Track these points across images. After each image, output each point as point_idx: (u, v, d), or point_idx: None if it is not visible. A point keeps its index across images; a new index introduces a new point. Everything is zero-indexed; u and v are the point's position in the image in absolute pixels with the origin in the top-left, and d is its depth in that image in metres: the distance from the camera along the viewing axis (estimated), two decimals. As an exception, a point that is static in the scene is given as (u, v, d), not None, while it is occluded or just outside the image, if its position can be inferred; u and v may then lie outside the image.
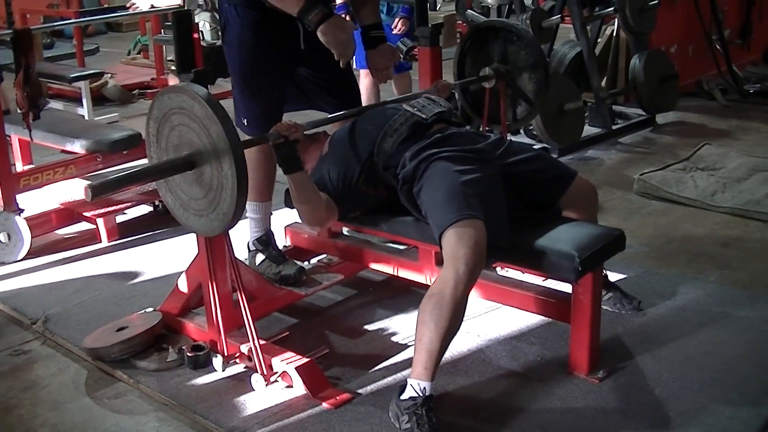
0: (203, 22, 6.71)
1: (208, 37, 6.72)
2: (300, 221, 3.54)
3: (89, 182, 2.83)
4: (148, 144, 3.10)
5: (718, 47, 7.81)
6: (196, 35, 6.32)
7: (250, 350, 3.27)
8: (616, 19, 6.85)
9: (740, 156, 5.84)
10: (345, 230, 4.02)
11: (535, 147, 5.85)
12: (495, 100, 4.23)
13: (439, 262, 3.25)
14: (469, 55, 4.31)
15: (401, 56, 4.89)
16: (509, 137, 4.01)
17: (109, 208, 4.96)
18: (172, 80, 7.44)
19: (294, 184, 3.20)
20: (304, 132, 3.18)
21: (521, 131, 6.37)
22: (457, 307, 2.89)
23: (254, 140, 3.29)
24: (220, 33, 3.76)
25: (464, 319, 2.97)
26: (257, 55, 3.63)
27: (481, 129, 4.26)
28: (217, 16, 3.94)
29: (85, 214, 4.93)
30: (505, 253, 3.15)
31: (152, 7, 7.71)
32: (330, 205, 3.35)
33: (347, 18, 4.46)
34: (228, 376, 3.38)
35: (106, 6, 12.03)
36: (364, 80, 5.80)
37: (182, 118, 2.89)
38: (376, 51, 3.85)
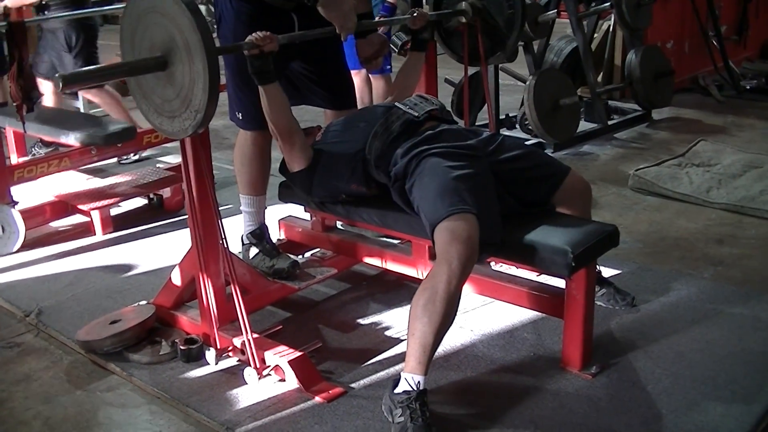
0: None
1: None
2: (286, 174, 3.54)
3: (60, 73, 2.80)
4: (122, 47, 3.09)
5: (715, 43, 7.82)
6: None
7: (243, 344, 3.26)
8: (613, 15, 6.85)
9: (735, 152, 5.85)
10: (339, 224, 4.02)
11: (530, 142, 5.87)
12: (472, 37, 4.23)
13: (433, 256, 3.25)
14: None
15: (396, 50, 4.88)
16: (503, 132, 4.00)
17: (104, 201, 4.95)
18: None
19: (267, 96, 3.26)
20: (279, 43, 3.19)
21: (516, 125, 6.37)
22: (450, 302, 2.89)
23: (227, 48, 3.35)
24: (215, 26, 3.75)
25: (458, 313, 2.97)
26: (251, 48, 3.62)
27: (463, 65, 4.27)
28: (213, 9, 3.92)
29: (80, 206, 4.93)
30: (497, 248, 3.15)
31: None
32: (306, 142, 3.43)
33: None
34: (221, 370, 3.38)
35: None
36: (355, 80, 5.79)
37: (155, 17, 2.89)
38: (366, 40, 3.85)
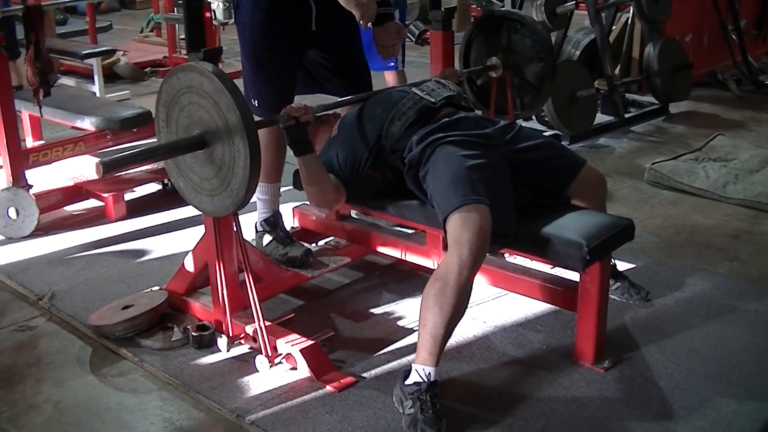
0: (216, 1, 6.70)
1: (220, 16, 6.71)
2: (308, 203, 3.53)
3: (101, 159, 2.83)
4: (157, 130, 3.09)
5: (734, 37, 7.75)
6: (207, 14, 6.32)
7: (255, 331, 3.26)
8: (632, 7, 6.81)
9: (753, 147, 5.81)
10: (353, 213, 4.01)
11: (546, 134, 5.84)
12: (501, 90, 4.21)
13: (446, 246, 3.23)
14: (476, 43, 4.28)
15: (413, 39, 4.86)
16: (520, 122, 3.98)
17: (119, 186, 4.96)
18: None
19: (304, 166, 3.20)
20: (315, 114, 3.18)
21: (533, 117, 6.34)
22: (462, 293, 2.87)
23: (264, 121, 3.28)
24: (232, 12, 3.74)
25: (470, 305, 2.97)
26: (269, 35, 3.61)
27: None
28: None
29: (94, 191, 4.93)
30: (510, 240, 3.14)
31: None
32: (338, 187, 3.34)
33: None
34: (232, 357, 3.37)
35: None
36: None
37: (191, 97, 2.88)
38: (383, 28, 3.83)
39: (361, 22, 3.46)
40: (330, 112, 3.66)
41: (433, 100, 3.39)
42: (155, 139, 3.17)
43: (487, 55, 4.18)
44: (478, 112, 3.66)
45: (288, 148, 3.33)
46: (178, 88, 2.93)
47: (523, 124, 4.16)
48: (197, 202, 3.08)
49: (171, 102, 2.98)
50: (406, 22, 5.11)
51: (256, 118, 3.71)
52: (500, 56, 4.13)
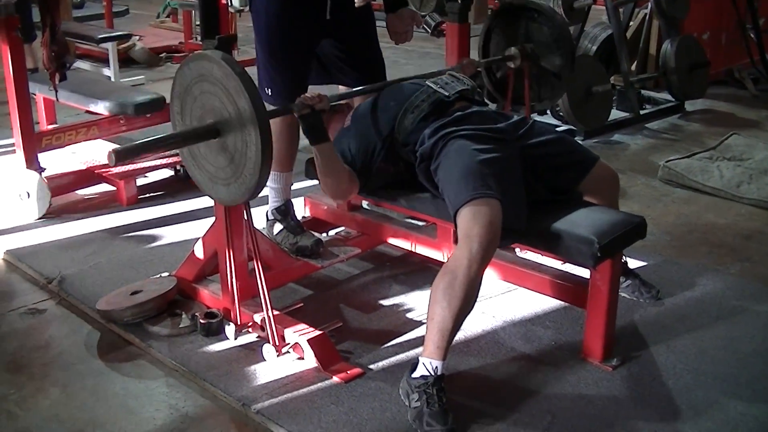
0: (233, -12, 6.68)
1: (236, 3, 6.69)
2: (322, 192, 3.53)
3: (114, 147, 2.82)
4: (173, 121, 3.09)
5: (752, 36, 7.71)
6: (223, 1, 6.30)
7: (263, 320, 3.26)
8: (650, 3, 6.78)
9: (768, 147, 5.78)
10: (365, 204, 4.00)
11: (560, 128, 5.82)
12: (519, 81, 4.18)
13: (457, 240, 3.23)
14: (494, 34, 4.26)
15: (428, 31, 4.84)
16: (534, 117, 3.96)
17: (131, 171, 4.96)
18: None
19: (319, 154, 3.19)
20: (329, 103, 3.17)
21: (548, 111, 6.32)
22: (471, 287, 2.86)
23: (279, 110, 3.27)
24: (248, 1, 3.73)
25: (480, 299, 2.95)
26: (284, 24, 3.60)
27: (504, 109, 4.22)
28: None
29: (106, 175, 4.93)
30: (520, 235, 3.13)
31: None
32: (352, 177, 3.33)
33: None
34: (239, 345, 3.37)
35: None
36: None
37: (203, 86, 2.87)
38: (396, 15, 3.83)
39: (356, 2, 3.44)
40: (343, 101, 3.65)
41: (446, 94, 3.37)
42: (169, 125, 3.17)
43: (506, 46, 4.16)
44: (493, 107, 3.64)
45: (302, 137, 3.33)
46: (191, 78, 2.92)
47: (537, 119, 4.15)
48: (213, 192, 3.07)
49: (184, 93, 2.97)
50: (422, 14, 5.09)
51: (269, 107, 3.72)
52: (518, 46, 4.10)
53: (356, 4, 3.46)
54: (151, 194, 5.02)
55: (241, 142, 2.82)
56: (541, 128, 3.42)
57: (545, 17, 4.09)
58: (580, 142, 5.86)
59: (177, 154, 5.14)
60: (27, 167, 4.63)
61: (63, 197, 4.87)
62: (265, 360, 3.26)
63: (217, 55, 2.82)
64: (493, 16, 4.32)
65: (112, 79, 6.95)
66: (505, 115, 3.46)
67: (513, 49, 4.10)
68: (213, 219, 3.45)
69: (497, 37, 4.25)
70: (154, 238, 4.43)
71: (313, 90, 3.23)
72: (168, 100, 3.14)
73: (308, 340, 3.21)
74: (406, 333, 3.47)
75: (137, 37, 8.65)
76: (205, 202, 4.73)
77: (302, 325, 3.30)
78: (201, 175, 3.08)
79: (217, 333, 3.43)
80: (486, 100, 3.70)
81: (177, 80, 3.00)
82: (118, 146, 2.85)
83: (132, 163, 5.05)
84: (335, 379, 3.14)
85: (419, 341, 3.16)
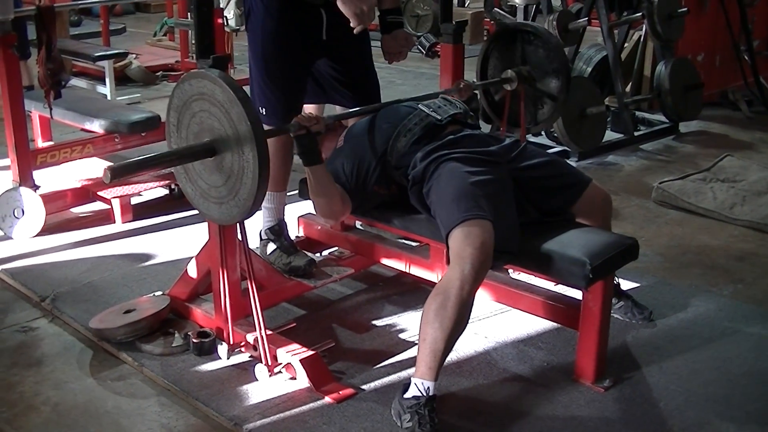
0: (229, 8, 6.71)
1: (232, 23, 6.72)
2: (315, 213, 3.53)
3: (109, 164, 2.83)
4: (168, 134, 3.10)
5: (746, 58, 7.74)
6: (219, 20, 6.33)
7: (255, 340, 3.26)
8: (644, 25, 6.81)
9: (762, 169, 5.78)
10: (358, 224, 4.00)
11: (554, 150, 5.84)
12: (515, 103, 4.20)
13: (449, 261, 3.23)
14: (492, 56, 4.28)
15: (423, 52, 4.85)
16: (528, 138, 3.97)
17: (125, 189, 4.96)
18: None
19: (313, 176, 3.20)
20: (325, 125, 3.18)
21: (542, 133, 6.33)
22: (463, 308, 2.87)
23: (275, 130, 3.28)
24: (244, 20, 3.75)
25: (472, 320, 2.96)
26: (279, 43, 3.62)
27: (500, 131, 4.24)
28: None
29: (101, 193, 4.94)
30: (513, 257, 3.13)
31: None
32: (344, 198, 3.34)
33: None
34: (232, 365, 3.37)
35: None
36: None
37: (203, 104, 2.88)
38: (391, 36, 3.86)
39: (354, 27, 3.46)
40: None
41: (439, 118, 3.39)
42: (164, 143, 3.17)
43: (504, 68, 4.17)
44: (487, 129, 3.65)
45: (295, 156, 3.34)
46: (191, 94, 2.93)
47: (530, 140, 4.16)
48: (204, 209, 3.08)
49: (182, 108, 2.98)
50: (418, 34, 5.10)
51: (265, 127, 3.73)
52: (515, 69, 4.12)
53: (354, 32, 3.48)
54: (146, 213, 5.02)
55: (238, 165, 2.82)
56: (533, 151, 3.43)
57: (541, 40, 4.11)
58: (574, 163, 5.89)
59: (171, 175, 5.15)
60: (21, 184, 4.63)
61: (57, 215, 4.87)
62: (257, 380, 3.25)
63: (220, 76, 2.83)
64: (491, 39, 4.34)
65: (109, 97, 6.96)
66: (497, 138, 3.47)
67: (510, 71, 4.11)
68: (206, 238, 3.45)
69: (495, 60, 4.27)
70: (147, 257, 4.43)
71: (307, 108, 3.24)
72: (163, 119, 3.15)
73: (300, 360, 3.21)
74: (398, 353, 3.47)
75: (134, 56, 8.66)
76: (199, 221, 4.73)
77: (295, 345, 3.30)
78: (193, 191, 3.09)
79: (210, 352, 3.43)
80: (479, 123, 3.70)
81: (176, 93, 3.00)
82: (113, 164, 2.85)
83: (127, 183, 5.05)
84: (327, 399, 3.14)
85: (412, 362, 3.16)
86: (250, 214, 2.92)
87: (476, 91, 4.05)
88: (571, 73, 6.26)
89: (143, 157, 2.94)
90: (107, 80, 7.04)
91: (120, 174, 2.83)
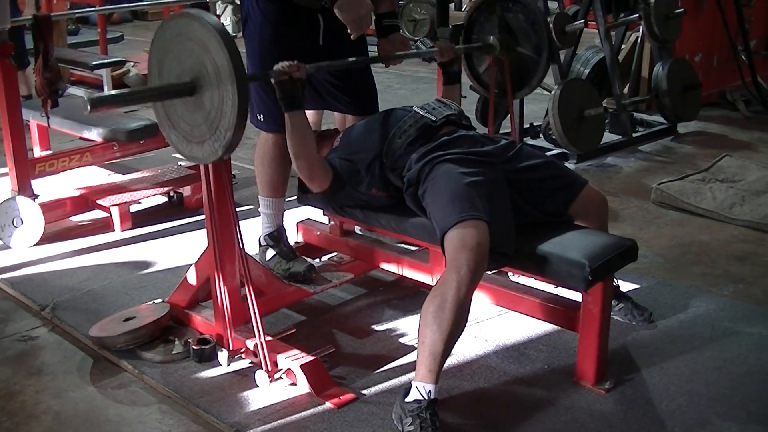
0: (225, 14, 6.72)
1: (229, 29, 6.72)
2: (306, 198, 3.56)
3: (89, 95, 2.81)
4: (151, 81, 3.10)
5: (743, 58, 7.75)
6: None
7: (255, 346, 3.25)
8: (641, 26, 6.81)
9: (761, 169, 5.78)
10: (357, 229, 4.00)
11: (553, 152, 5.84)
12: (500, 71, 4.23)
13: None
14: (476, 27, 4.32)
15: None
16: (527, 141, 3.99)
17: (124, 197, 4.97)
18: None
19: (291, 122, 3.24)
20: (307, 71, 3.20)
21: (540, 135, 6.34)
22: (460, 310, 2.87)
23: (257, 75, 3.35)
24: (242, 26, 3.76)
25: (472, 323, 2.97)
26: (277, 49, 3.62)
27: (488, 99, 4.30)
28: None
29: (100, 202, 4.94)
30: (509, 258, 3.13)
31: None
32: (326, 167, 3.38)
33: None
34: (232, 371, 3.37)
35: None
36: None
37: (182, 43, 2.90)
38: (387, 39, 3.86)
39: (351, 34, 3.47)
40: (322, 68, 3.67)
41: (433, 119, 3.40)
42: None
43: (487, 35, 4.26)
44: (480, 132, 3.65)
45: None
46: (170, 36, 2.94)
47: (528, 142, 4.17)
48: (188, 152, 3.08)
49: (163, 52, 2.99)
50: (415, 38, 5.11)
51: (263, 133, 3.74)
52: (497, 35, 4.16)
53: (351, 38, 3.48)
54: (145, 220, 5.02)
55: (217, 98, 2.83)
56: (529, 152, 3.43)
57: (520, 5, 4.17)
58: (572, 165, 5.90)
59: (170, 182, 5.16)
60: (20, 194, 4.64)
61: (56, 223, 4.88)
62: (257, 386, 3.25)
63: (198, 12, 2.85)
64: (473, 9, 4.38)
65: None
66: (492, 139, 3.47)
67: (492, 38, 4.15)
68: (205, 245, 3.45)
69: (478, 30, 4.31)
70: (147, 265, 4.43)
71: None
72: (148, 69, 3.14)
73: (301, 366, 3.21)
74: (399, 358, 3.47)
75: (132, 64, 8.66)
76: (198, 228, 4.74)
77: (295, 351, 3.29)
78: (177, 136, 3.09)
79: (210, 359, 3.43)
80: (478, 125, 3.72)
81: (156, 38, 3.01)
82: (94, 95, 2.84)
83: (126, 191, 5.06)
84: (328, 404, 3.14)
85: (412, 366, 3.15)
86: (231, 146, 2.89)
87: (458, 53, 4.09)
88: (569, 76, 6.30)
89: (124, 90, 2.95)
90: (105, 88, 7.04)
91: (100, 104, 2.81)
